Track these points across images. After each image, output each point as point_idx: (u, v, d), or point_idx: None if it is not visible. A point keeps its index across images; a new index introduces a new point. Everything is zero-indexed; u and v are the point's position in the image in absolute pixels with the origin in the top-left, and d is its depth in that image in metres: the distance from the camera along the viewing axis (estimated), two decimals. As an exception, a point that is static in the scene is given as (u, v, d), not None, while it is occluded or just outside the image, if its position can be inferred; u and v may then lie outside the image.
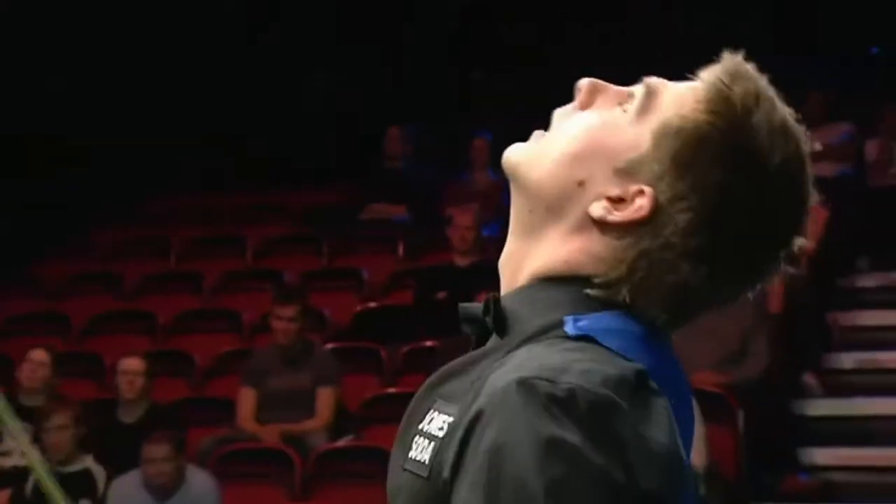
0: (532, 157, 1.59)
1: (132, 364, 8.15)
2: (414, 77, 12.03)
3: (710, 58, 1.58)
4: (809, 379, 8.67)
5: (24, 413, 8.12)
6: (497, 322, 1.54)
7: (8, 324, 10.04)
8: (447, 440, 1.45)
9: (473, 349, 1.59)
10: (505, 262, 1.61)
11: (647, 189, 1.52)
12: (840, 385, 8.81)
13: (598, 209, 1.54)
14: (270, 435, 8.05)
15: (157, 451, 7.36)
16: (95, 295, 10.43)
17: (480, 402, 1.41)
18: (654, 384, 1.43)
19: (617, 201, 1.53)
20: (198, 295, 10.38)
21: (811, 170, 1.57)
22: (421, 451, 1.49)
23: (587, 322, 1.49)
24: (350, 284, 9.98)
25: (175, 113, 11.74)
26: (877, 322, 9.35)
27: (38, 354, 8.39)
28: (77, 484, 7.56)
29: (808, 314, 8.71)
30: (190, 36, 11.88)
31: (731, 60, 1.57)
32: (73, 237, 11.38)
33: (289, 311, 8.27)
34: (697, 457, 6.57)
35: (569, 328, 1.48)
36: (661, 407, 1.43)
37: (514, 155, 1.61)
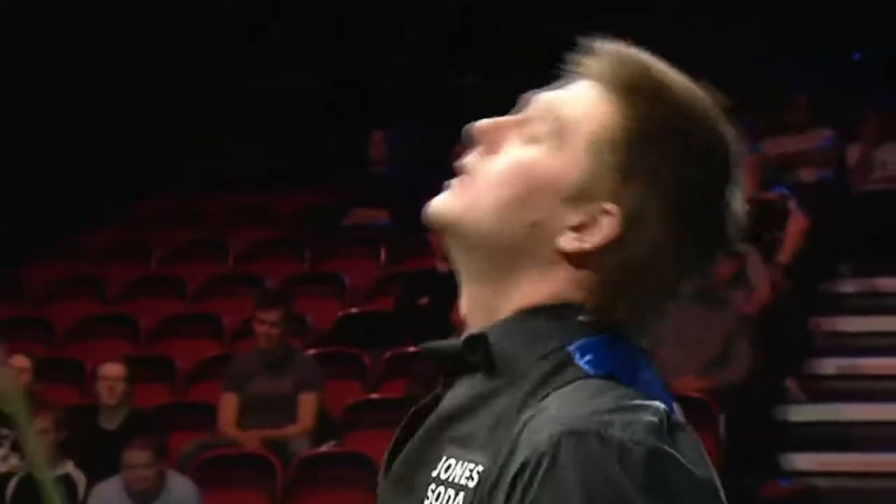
0: (468, 210, 1.54)
1: (112, 370, 8.14)
2: (413, 78, 12.02)
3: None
4: (791, 384, 8.68)
5: (4, 418, 8.11)
6: (488, 360, 1.50)
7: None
8: (483, 492, 1.42)
9: (443, 386, 1.56)
10: (474, 310, 1.55)
11: (610, 206, 1.50)
12: (822, 390, 8.83)
13: (569, 243, 1.51)
14: (252, 440, 8.03)
15: (137, 456, 7.35)
16: (78, 299, 10.41)
17: (524, 453, 1.39)
18: (676, 418, 1.44)
19: (580, 228, 1.51)
20: (180, 300, 10.36)
21: (729, 119, 1.55)
22: (447, 501, 1.45)
23: (594, 356, 1.47)
24: (332, 289, 9.97)
25: (171, 113, 11.72)
26: (858, 328, 9.37)
27: (19, 360, 8.37)
28: (58, 490, 7.53)
29: (790, 319, 8.72)
30: (190, 36, 11.86)
31: (614, 50, 1.55)
32: (58, 240, 11.35)
33: (271, 315, 8.25)
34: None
35: (585, 366, 1.46)
36: (689, 440, 1.44)
37: (445, 211, 1.55)
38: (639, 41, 1.59)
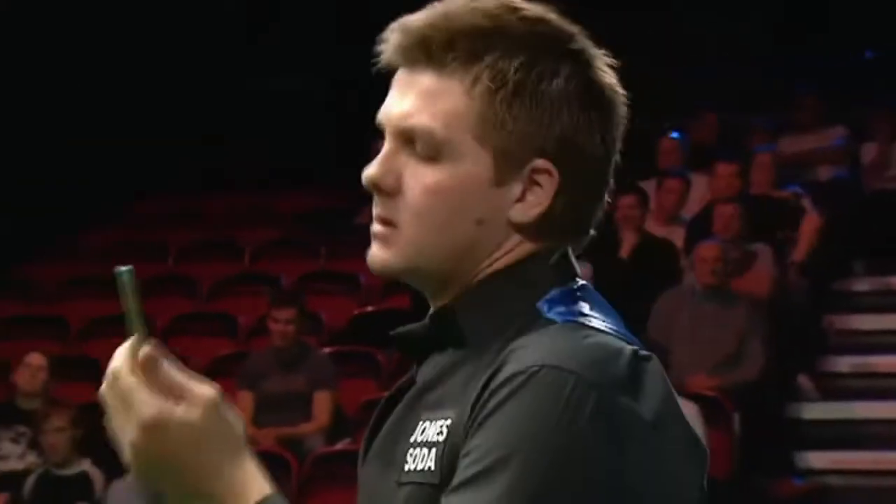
0: (411, 257, 1.55)
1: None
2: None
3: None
4: (805, 382, 8.68)
5: (21, 416, 8.14)
6: (457, 331, 1.53)
7: (1, 326, 10.03)
8: (454, 439, 1.45)
9: (417, 367, 1.58)
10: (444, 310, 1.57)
11: (539, 161, 1.52)
12: (835, 389, 8.82)
13: (520, 215, 1.53)
14: (267, 438, 8.05)
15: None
16: (91, 298, 10.42)
17: (492, 387, 1.43)
18: (641, 352, 1.47)
19: (524, 194, 1.52)
20: (193, 298, 10.37)
21: (565, 19, 1.56)
22: (422, 460, 1.48)
23: (563, 307, 1.50)
24: (347, 288, 9.98)
25: (171, 113, 11.74)
26: (872, 326, 9.36)
27: (35, 359, 8.39)
28: (74, 487, 7.56)
29: (804, 317, 8.72)
30: (190, 36, 11.88)
31: (412, 26, 1.60)
32: (63, 239, 11.37)
33: (286, 313, 8.27)
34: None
35: (555, 317, 1.49)
36: (654, 373, 1.47)
37: (389, 266, 1.56)
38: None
